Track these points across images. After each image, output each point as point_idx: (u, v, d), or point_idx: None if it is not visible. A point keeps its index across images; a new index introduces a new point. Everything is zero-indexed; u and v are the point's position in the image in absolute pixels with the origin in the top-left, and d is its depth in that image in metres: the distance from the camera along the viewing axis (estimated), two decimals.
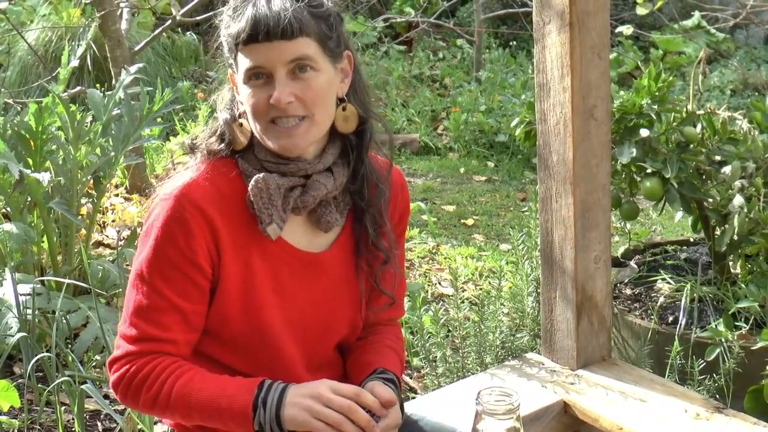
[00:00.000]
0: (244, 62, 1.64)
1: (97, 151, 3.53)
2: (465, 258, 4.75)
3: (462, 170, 6.61)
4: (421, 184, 6.24)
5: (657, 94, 3.00)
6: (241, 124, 1.71)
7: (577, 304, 2.44)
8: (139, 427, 2.79)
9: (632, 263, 3.49)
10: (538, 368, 2.51)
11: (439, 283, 4.44)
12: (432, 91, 8.21)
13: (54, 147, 3.52)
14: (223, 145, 1.71)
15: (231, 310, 1.69)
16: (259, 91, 1.64)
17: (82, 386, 2.65)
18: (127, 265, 3.74)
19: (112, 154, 3.57)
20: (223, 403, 1.61)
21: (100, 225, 4.59)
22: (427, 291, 4.16)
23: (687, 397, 2.36)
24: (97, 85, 4.65)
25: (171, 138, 5.48)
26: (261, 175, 1.67)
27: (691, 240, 3.67)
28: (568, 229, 2.39)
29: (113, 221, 4.73)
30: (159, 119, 3.76)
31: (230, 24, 1.65)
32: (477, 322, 2.81)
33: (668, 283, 3.24)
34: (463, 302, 3.35)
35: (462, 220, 5.57)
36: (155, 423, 2.72)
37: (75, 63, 3.91)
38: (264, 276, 1.71)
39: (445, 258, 4.79)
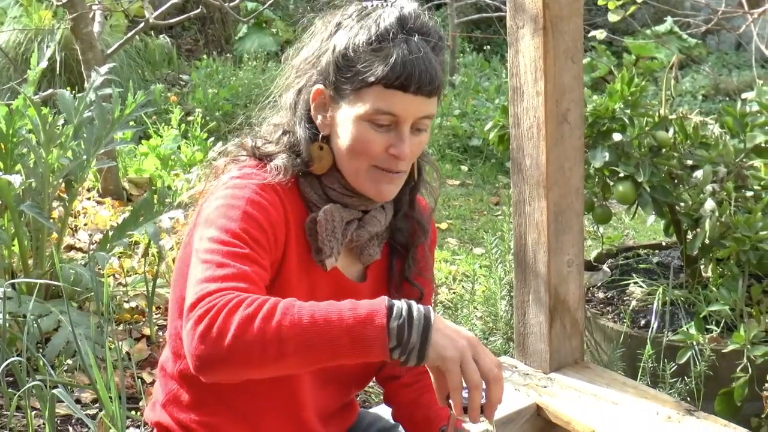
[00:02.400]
0: (376, 102, 1.58)
1: (69, 154, 3.50)
2: (439, 262, 4.75)
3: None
4: None
5: (630, 98, 3.02)
6: (321, 147, 1.67)
7: (550, 308, 2.45)
8: (111, 430, 2.77)
9: (605, 267, 3.51)
10: (511, 371, 2.52)
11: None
12: None
13: (25, 150, 3.48)
14: (299, 163, 1.67)
15: None
16: (379, 136, 1.61)
17: (53, 390, 2.62)
18: (99, 269, 3.72)
19: (84, 157, 3.53)
20: (345, 305, 1.39)
21: (71, 229, 4.55)
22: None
23: (659, 400, 2.38)
24: (68, 88, 4.60)
25: (144, 141, 5.44)
26: (330, 206, 1.67)
27: (664, 244, 3.70)
28: (542, 232, 2.40)
29: (85, 225, 4.69)
30: (132, 122, 3.73)
31: (373, 58, 1.58)
32: (451, 318, 2.81)
33: (640, 286, 3.27)
34: (436, 306, 3.36)
35: (436, 224, 5.57)
36: (127, 428, 2.70)
37: (44, 64, 3.86)
38: (301, 294, 1.58)
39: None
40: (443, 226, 5.52)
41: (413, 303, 1.40)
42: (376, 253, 1.76)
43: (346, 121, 1.63)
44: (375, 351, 1.36)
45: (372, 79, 1.57)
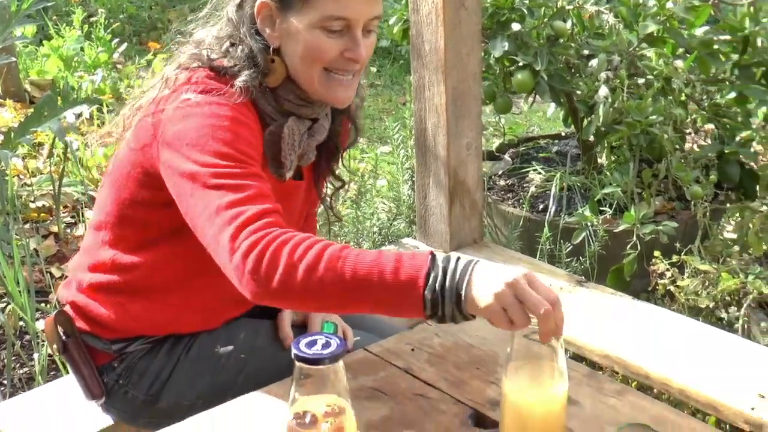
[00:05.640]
0: (327, 8, 1.61)
1: None
2: (348, 160, 4.81)
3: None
4: None
5: None
6: (272, 60, 1.69)
7: (450, 190, 2.54)
8: (20, 323, 2.81)
9: (506, 156, 3.62)
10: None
11: (362, 195, 4.49)
12: None
13: None
14: (259, 77, 1.68)
15: None
16: (333, 41, 1.63)
17: None
18: (2, 168, 3.67)
19: None
20: (389, 265, 1.38)
21: None
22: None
23: (553, 274, 2.50)
24: None
25: (46, 42, 5.32)
26: (291, 121, 1.70)
27: (563, 134, 3.82)
28: (441, 116, 2.47)
29: None
30: (30, 17, 3.65)
31: None
32: (354, 210, 2.89)
33: (539, 173, 3.39)
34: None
35: (394, 136, 5.60)
36: (37, 320, 2.73)
37: None
38: None
39: (373, 171, 4.83)
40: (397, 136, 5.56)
41: (453, 263, 1.38)
42: (313, 155, 1.84)
43: (297, 30, 1.65)
44: (412, 316, 1.40)
45: None
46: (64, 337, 1.82)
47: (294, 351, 1.26)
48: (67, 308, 1.84)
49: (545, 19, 3.14)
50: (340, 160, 1.97)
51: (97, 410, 1.91)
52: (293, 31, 1.66)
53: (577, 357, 2.24)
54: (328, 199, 2.02)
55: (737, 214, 3.12)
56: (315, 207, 2.08)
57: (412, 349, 1.82)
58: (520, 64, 3.08)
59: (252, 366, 1.83)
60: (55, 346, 1.84)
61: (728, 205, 3.20)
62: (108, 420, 1.94)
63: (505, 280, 1.34)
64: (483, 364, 1.75)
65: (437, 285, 1.36)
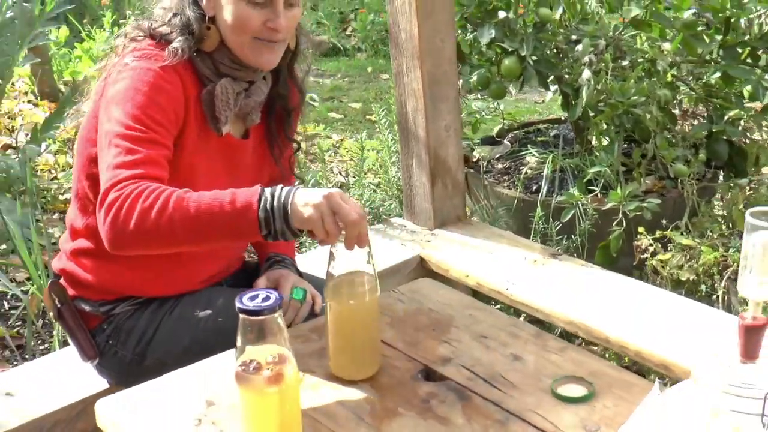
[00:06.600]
0: None
1: None
2: (367, 150, 4.97)
3: (369, 69, 6.78)
4: (329, 84, 6.41)
5: None
6: (208, 27, 1.91)
7: (431, 169, 2.68)
8: (42, 304, 3.00)
9: (506, 141, 3.75)
10: (400, 230, 2.77)
11: (340, 173, 4.66)
12: None
13: None
14: (192, 41, 1.89)
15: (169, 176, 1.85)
16: (256, 12, 1.87)
17: None
18: (31, 162, 3.89)
19: (9, 55, 3.69)
20: (226, 198, 1.62)
21: (8, 130, 4.71)
22: (328, 180, 4.38)
23: (529, 248, 2.64)
24: None
25: (78, 45, 5.56)
26: (224, 80, 1.92)
27: (562, 119, 3.93)
28: (419, 100, 2.62)
29: (22, 125, 4.84)
30: (54, 20, 3.86)
31: None
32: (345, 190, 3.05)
33: (534, 156, 3.51)
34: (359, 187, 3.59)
35: (367, 116, 5.77)
36: None
37: None
38: (201, 157, 1.92)
39: (347, 151, 5.00)
40: (374, 117, 5.71)
41: (279, 190, 1.62)
42: (257, 116, 2.05)
43: (227, 2, 1.88)
44: (251, 237, 1.67)
45: None
46: (58, 305, 2.02)
47: (237, 304, 1.42)
48: (60, 279, 2.03)
49: (530, 6, 3.26)
50: (292, 123, 2.15)
51: (92, 373, 2.10)
52: (224, 3, 1.89)
53: (544, 325, 2.37)
54: (283, 162, 2.18)
55: (727, 192, 3.21)
56: (285, 175, 2.21)
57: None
58: (509, 51, 3.21)
59: (228, 328, 1.99)
60: (51, 314, 2.04)
61: (718, 182, 3.29)
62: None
63: (322, 194, 1.59)
64: (439, 326, 1.89)
65: (267, 205, 1.60)
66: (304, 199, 1.60)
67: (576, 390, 1.63)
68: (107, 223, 1.64)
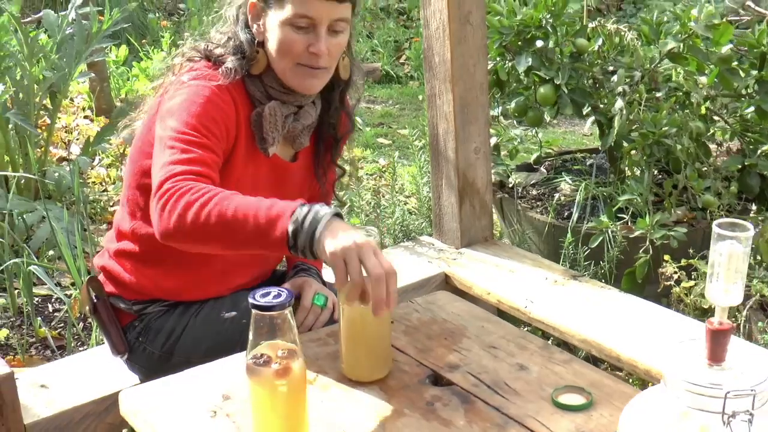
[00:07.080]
0: (294, 7, 1.93)
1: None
2: (411, 176, 5.06)
3: (420, 97, 6.87)
4: (379, 110, 6.53)
5: (553, 9, 3.29)
6: (257, 51, 2.02)
7: (459, 190, 2.76)
8: (86, 307, 3.13)
9: (542, 168, 3.81)
10: (428, 248, 2.85)
11: (383, 196, 4.76)
12: (397, 23, 8.45)
13: (12, 64, 3.82)
14: (244, 63, 1.99)
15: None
16: (299, 37, 1.95)
17: (29, 267, 2.98)
18: (81, 173, 4.06)
19: (66, 70, 3.86)
20: (265, 203, 1.66)
21: (65, 143, 4.89)
22: (361, 197, 4.48)
23: (551, 269, 2.70)
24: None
25: (136, 64, 5.75)
26: (273, 102, 2.01)
27: (599, 149, 3.98)
28: (450, 122, 2.71)
29: (77, 140, 5.03)
30: (113, 37, 4.03)
31: None
32: (375, 209, 3.15)
33: (568, 184, 3.57)
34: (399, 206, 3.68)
35: (415, 142, 5.86)
36: None
37: None
38: (247, 176, 2.01)
39: (392, 175, 5.09)
40: (419, 143, 5.81)
41: (315, 209, 1.62)
42: (306, 140, 2.14)
43: (273, 26, 1.98)
44: (277, 248, 1.65)
45: None
46: (95, 300, 2.14)
47: (250, 300, 1.50)
48: (100, 275, 2.15)
49: (568, 37, 3.33)
50: (338, 151, 2.24)
51: (123, 369, 2.22)
52: (271, 27, 1.98)
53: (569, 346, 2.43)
54: (329, 186, 2.27)
55: (756, 225, 3.23)
56: (326, 197, 2.32)
57: (392, 321, 2.05)
58: (546, 79, 3.28)
59: None
60: (87, 308, 2.16)
61: (751, 215, 3.32)
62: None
63: (355, 240, 1.56)
64: (451, 335, 1.95)
65: (299, 218, 1.61)
66: (337, 235, 1.58)
67: (575, 399, 1.69)
68: (158, 212, 1.72)
